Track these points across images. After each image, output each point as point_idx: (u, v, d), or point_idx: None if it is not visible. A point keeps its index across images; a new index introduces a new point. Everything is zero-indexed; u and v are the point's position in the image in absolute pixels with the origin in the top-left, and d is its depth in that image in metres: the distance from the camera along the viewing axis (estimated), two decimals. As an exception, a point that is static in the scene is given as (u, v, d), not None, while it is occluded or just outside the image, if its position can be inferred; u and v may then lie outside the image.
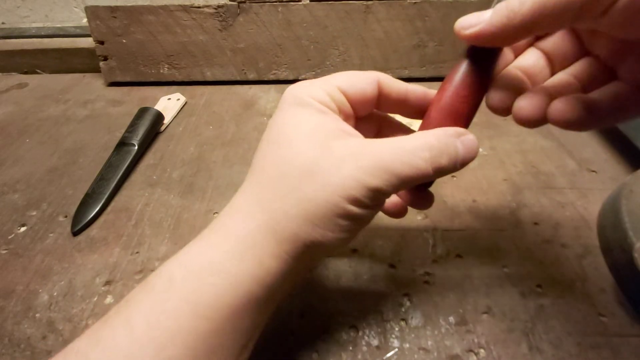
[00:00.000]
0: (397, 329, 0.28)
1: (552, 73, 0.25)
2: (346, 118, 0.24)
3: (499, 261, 0.32)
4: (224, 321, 0.19)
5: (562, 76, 0.24)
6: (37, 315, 0.29)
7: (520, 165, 0.41)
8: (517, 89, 0.23)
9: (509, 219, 0.36)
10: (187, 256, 0.21)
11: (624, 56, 0.23)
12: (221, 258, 0.20)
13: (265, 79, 0.58)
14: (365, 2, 0.52)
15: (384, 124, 0.27)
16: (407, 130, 0.27)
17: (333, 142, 0.21)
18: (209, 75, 0.57)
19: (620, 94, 0.22)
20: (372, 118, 0.27)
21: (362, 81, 0.23)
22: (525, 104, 0.22)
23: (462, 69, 0.22)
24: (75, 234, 0.35)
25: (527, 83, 0.24)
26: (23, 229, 0.36)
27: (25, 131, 0.49)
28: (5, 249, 0.34)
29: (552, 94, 0.23)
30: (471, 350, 0.26)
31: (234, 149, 0.45)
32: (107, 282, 0.31)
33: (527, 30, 0.19)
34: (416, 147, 0.21)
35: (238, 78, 0.58)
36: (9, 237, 0.35)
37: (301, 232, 0.20)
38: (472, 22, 0.20)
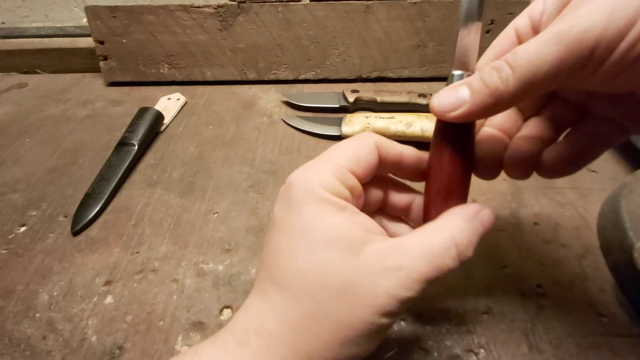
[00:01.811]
0: (397, 329, 0.28)
1: (525, 119, 0.26)
2: (358, 197, 0.23)
3: (499, 261, 0.32)
4: None
5: (537, 122, 0.25)
6: (37, 315, 0.29)
7: (520, 165, 0.41)
8: (498, 151, 0.24)
9: (509, 219, 0.36)
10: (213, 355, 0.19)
11: (592, 96, 0.23)
12: None
13: (265, 79, 0.58)
14: (365, 2, 0.52)
15: (389, 185, 0.26)
16: (408, 190, 0.26)
17: (361, 253, 0.20)
18: (209, 75, 0.57)
19: (598, 132, 0.23)
20: (377, 181, 0.25)
21: (365, 151, 0.22)
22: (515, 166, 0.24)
23: (446, 141, 0.22)
24: (75, 234, 0.35)
25: (505, 140, 0.25)
26: (23, 229, 0.36)
27: (25, 131, 0.49)
28: (5, 249, 0.34)
29: (537, 145, 0.24)
30: (471, 350, 0.26)
31: (234, 149, 0.45)
32: (107, 282, 0.31)
33: (515, 104, 0.19)
34: (444, 247, 0.20)
35: (238, 78, 0.58)
36: (9, 237, 0.35)
37: (337, 355, 0.19)
38: (453, 103, 0.20)
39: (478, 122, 0.24)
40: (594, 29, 0.16)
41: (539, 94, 0.19)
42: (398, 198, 0.26)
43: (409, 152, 0.24)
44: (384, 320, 0.19)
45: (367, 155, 0.22)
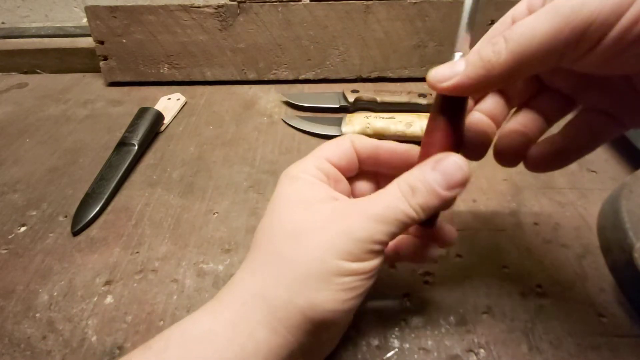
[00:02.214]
0: (397, 329, 0.28)
1: (510, 108, 0.26)
2: (336, 182, 0.25)
3: (499, 261, 0.32)
4: None
5: (526, 114, 0.25)
6: (37, 315, 0.29)
7: (520, 165, 0.41)
8: (484, 134, 0.24)
9: (509, 219, 0.36)
10: (188, 322, 0.21)
11: (586, 88, 0.23)
12: (215, 327, 0.20)
13: (265, 79, 0.58)
14: (365, 2, 0.52)
15: (381, 180, 0.27)
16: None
17: (318, 206, 0.22)
18: (209, 75, 0.57)
19: (590, 126, 0.23)
20: (368, 176, 0.27)
21: (342, 146, 0.25)
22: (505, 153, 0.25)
23: (439, 114, 0.22)
24: (75, 234, 0.35)
25: (492, 125, 0.25)
26: (23, 229, 0.36)
27: (25, 131, 0.49)
28: (5, 249, 0.34)
29: (529, 137, 0.24)
30: (471, 350, 0.26)
31: (234, 149, 0.45)
32: (107, 282, 0.31)
33: (507, 79, 0.19)
34: (392, 189, 0.21)
35: (238, 78, 0.58)
36: (9, 237, 0.35)
37: (295, 297, 0.20)
38: (447, 75, 0.20)
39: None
40: (590, 3, 0.16)
41: (533, 71, 0.19)
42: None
43: (387, 145, 0.25)
44: (344, 263, 0.20)
45: (343, 148, 0.25)
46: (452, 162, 0.20)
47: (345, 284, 0.20)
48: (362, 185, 0.27)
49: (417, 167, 0.21)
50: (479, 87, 0.20)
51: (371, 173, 0.27)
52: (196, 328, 0.20)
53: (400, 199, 0.20)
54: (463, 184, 0.20)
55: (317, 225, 0.21)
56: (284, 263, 0.20)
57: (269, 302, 0.20)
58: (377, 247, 0.20)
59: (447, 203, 0.21)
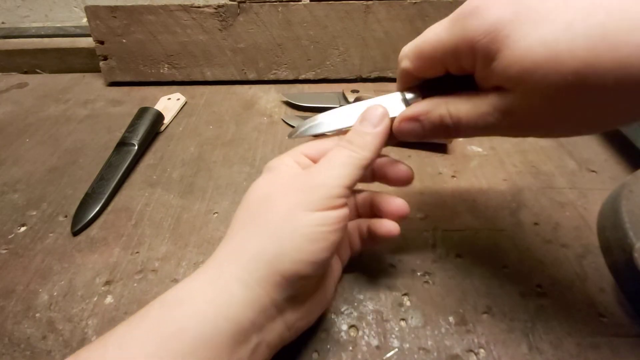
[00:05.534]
0: (397, 329, 0.28)
1: None
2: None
3: (499, 261, 0.32)
4: (186, 355, 0.19)
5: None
6: (37, 315, 0.29)
7: (520, 165, 0.41)
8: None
9: (509, 219, 0.36)
10: (168, 291, 0.21)
11: None
12: (191, 288, 0.21)
13: (265, 79, 0.58)
14: (365, 2, 0.52)
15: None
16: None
17: (285, 172, 0.25)
18: (209, 75, 0.57)
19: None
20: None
21: (322, 144, 0.27)
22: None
23: None
24: (75, 234, 0.35)
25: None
26: (23, 229, 0.36)
27: (25, 131, 0.49)
28: (5, 249, 0.34)
29: None
30: (471, 350, 0.26)
31: (234, 149, 0.45)
32: (107, 282, 0.31)
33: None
34: (337, 148, 0.25)
35: (238, 78, 0.58)
36: (9, 237, 0.35)
37: (263, 250, 0.21)
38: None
39: None
40: None
41: None
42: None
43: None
44: (307, 213, 0.22)
45: (325, 146, 0.27)
46: (371, 109, 0.25)
47: (310, 234, 0.21)
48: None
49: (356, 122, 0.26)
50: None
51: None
52: (174, 292, 0.21)
53: (346, 150, 0.24)
54: (384, 116, 0.25)
55: (284, 186, 0.23)
56: (256, 223, 0.22)
57: (241, 257, 0.21)
58: (338, 193, 0.22)
59: (387, 136, 0.25)
